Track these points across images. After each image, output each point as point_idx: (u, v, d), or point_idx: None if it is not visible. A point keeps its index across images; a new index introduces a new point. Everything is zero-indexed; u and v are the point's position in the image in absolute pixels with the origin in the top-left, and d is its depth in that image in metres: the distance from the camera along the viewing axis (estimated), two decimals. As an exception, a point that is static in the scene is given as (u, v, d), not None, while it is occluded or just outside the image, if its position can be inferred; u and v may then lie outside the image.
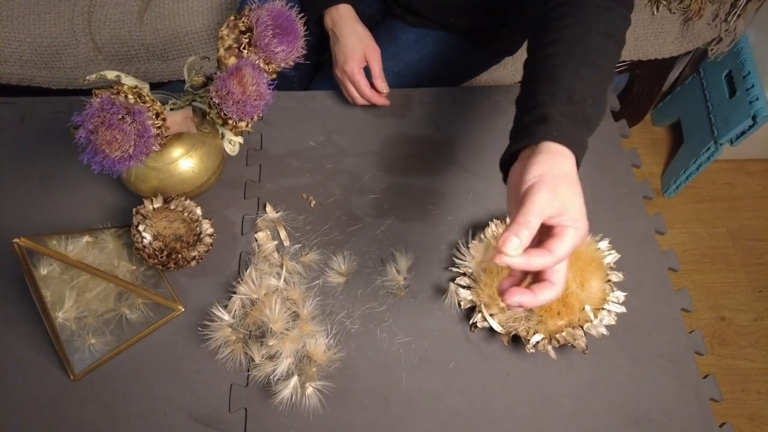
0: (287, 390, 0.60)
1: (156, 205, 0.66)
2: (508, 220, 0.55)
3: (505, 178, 0.54)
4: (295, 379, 0.60)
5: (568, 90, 0.52)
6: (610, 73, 0.57)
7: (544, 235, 0.46)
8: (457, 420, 0.61)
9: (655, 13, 1.18)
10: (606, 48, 0.56)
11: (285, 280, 0.67)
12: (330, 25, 0.83)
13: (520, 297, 0.45)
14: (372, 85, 0.82)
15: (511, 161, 0.52)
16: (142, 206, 0.66)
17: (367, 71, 0.82)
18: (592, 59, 0.54)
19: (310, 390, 0.60)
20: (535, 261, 0.44)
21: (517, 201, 0.47)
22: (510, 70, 1.18)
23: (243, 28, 0.61)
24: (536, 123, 0.51)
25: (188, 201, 0.69)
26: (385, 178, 0.78)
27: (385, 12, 1.00)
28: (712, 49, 1.33)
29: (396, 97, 0.86)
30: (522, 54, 1.15)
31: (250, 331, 0.64)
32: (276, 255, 0.70)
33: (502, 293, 0.46)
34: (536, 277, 0.47)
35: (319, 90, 0.89)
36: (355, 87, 0.82)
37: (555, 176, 0.46)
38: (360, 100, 0.83)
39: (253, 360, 0.62)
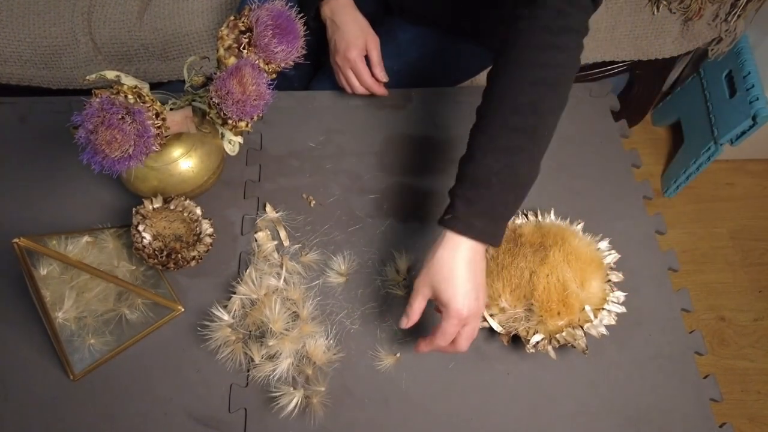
0: (290, 406, 0.60)
1: (156, 205, 0.66)
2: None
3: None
4: (300, 394, 0.60)
5: (474, 168, 0.56)
6: (536, 134, 0.56)
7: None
8: (457, 420, 0.61)
9: (655, 13, 1.18)
10: (528, 121, 0.55)
11: (285, 280, 0.67)
12: (329, 14, 0.82)
13: (426, 343, 0.57)
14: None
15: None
16: (142, 206, 0.66)
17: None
18: (507, 124, 0.55)
19: (314, 402, 0.60)
20: (430, 347, 0.57)
21: None
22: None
23: (243, 28, 0.61)
24: (447, 206, 0.57)
25: (188, 201, 0.68)
26: (385, 178, 0.78)
27: (384, 11, 1.00)
28: (712, 49, 1.33)
29: (396, 97, 0.86)
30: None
31: (250, 332, 0.64)
32: (276, 255, 0.70)
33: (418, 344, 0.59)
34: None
35: (319, 90, 0.89)
36: (356, 75, 0.81)
37: (435, 266, 0.55)
38: (359, 89, 0.82)
39: (252, 360, 0.62)
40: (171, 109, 0.63)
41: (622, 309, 0.62)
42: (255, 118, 0.60)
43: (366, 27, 0.83)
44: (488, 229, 0.55)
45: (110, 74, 0.60)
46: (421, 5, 0.90)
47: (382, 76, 0.82)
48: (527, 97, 0.55)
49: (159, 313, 0.66)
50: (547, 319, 0.60)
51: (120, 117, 0.53)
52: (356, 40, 0.80)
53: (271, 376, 0.61)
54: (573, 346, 0.60)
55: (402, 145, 0.81)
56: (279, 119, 0.83)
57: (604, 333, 0.61)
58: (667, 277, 0.70)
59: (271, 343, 0.61)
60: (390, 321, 0.67)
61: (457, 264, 0.54)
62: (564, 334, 0.60)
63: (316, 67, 0.99)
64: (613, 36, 1.21)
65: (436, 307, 0.60)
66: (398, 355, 0.64)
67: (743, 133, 1.32)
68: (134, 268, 0.68)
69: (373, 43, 0.82)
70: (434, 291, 0.55)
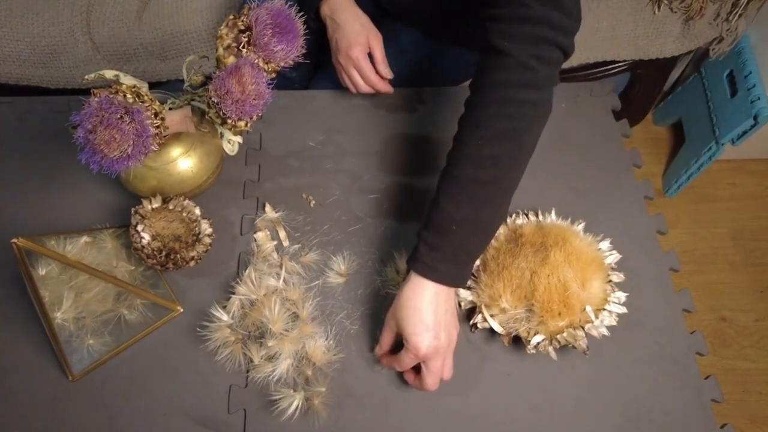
0: (291, 408, 0.59)
1: (155, 205, 0.66)
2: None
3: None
4: (300, 396, 0.60)
5: (438, 215, 0.58)
6: (497, 185, 0.58)
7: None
8: (458, 420, 0.61)
9: (656, 12, 1.18)
10: (489, 173, 0.56)
11: (284, 280, 0.67)
12: (328, 12, 0.81)
13: (407, 377, 0.61)
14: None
15: None
16: (141, 206, 0.65)
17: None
18: (469, 176, 0.57)
19: (316, 403, 0.60)
20: (389, 363, 0.60)
21: None
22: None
23: (242, 27, 0.61)
24: (413, 248, 0.59)
25: (187, 201, 0.68)
26: (385, 178, 0.78)
27: (381, 13, 1.00)
28: (713, 49, 1.33)
29: (396, 97, 0.85)
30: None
31: (250, 332, 0.64)
32: (275, 255, 0.70)
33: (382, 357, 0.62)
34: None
35: (319, 90, 0.88)
36: (359, 73, 0.80)
37: (400, 303, 0.58)
38: (364, 88, 0.81)
39: (252, 361, 0.62)
40: (170, 109, 0.63)
41: (623, 309, 0.62)
42: (254, 117, 0.60)
43: (368, 23, 0.81)
44: (451, 272, 0.57)
45: (109, 74, 0.60)
46: (412, 14, 0.90)
47: (387, 73, 0.81)
48: (489, 150, 0.56)
49: (158, 313, 0.66)
50: (548, 320, 0.60)
51: (119, 116, 0.53)
52: (358, 38, 0.79)
53: (271, 377, 0.61)
54: (574, 347, 0.60)
55: (402, 145, 0.81)
56: (279, 119, 0.83)
57: (605, 333, 0.60)
58: (668, 278, 0.70)
59: (270, 344, 0.61)
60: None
61: (420, 303, 0.56)
62: (565, 334, 0.60)
63: (316, 67, 0.99)
64: (613, 35, 1.20)
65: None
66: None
67: (744, 132, 1.32)
68: (133, 268, 0.67)
69: (376, 40, 0.80)
70: (398, 326, 0.58)
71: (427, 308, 0.56)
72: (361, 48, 0.78)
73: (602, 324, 0.60)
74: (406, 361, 0.57)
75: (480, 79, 0.59)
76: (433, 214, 0.58)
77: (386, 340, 0.61)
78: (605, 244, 0.67)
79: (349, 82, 0.82)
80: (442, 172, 0.60)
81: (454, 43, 0.92)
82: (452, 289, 0.59)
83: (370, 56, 0.81)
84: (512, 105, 0.56)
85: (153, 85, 0.64)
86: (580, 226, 0.69)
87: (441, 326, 0.57)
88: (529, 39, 0.56)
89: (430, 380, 0.57)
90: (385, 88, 0.81)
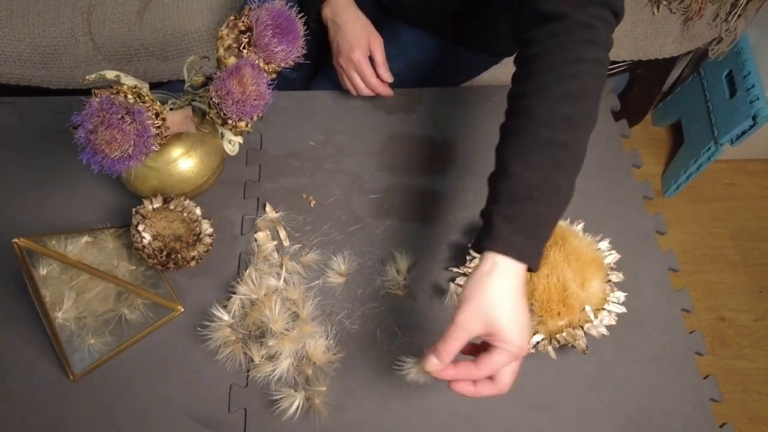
0: (292, 408, 0.59)
1: (155, 205, 0.66)
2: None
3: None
4: (301, 396, 0.60)
5: (512, 184, 0.51)
6: (572, 149, 0.53)
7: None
8: (458, 420, 0.61)
9: (655, 13, 1.18)
10: (566, 135, 0.52)
11: (285, 280, 0.67)
12: (329, 15, 0.81)
13: (462, 388, 0.50)
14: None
15: None
16: (142, 206, 0.65)
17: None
18: (543, 138, 0.52)
19: (317, 402, 0.60)
20: (462, 373, 0.49)
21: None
22: (511, 69, 1.17)
23: (243, 28, 0.61)
24: (483, 228, 0.52)
25: (188, 201, 0.68)
26: (385, 178, 0.78)
27: (383, 12, 1.00)
28: (712, 49, 1.33)
29: (396, 97, 0.86)
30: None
31: (250, 332, 0.64)
32: (276, 255, 0.70)
33: (451, 381, 0.50)
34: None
35: (319, 90, 0.89)
36: (360, 76, 0.80)
37: (486, 297, 0.48)
38: (365, 91, 0.81)
39: (252, 360, 0.62)
40: (171, 109, 0.63)
41: (622, 309, 0.62)
42: (255, 118, 0.60)
43: (368, 26, 0.81)
44: (532, 249, 0.51)
45: (110, 74, 0.60)
46: (415, 14, 0.90)
47: (387, 76, 0.81)
48: (561, 111, 0.52)
49: (159, 313, 0.66)
50: (548, 320, 0.60)
51: (120, 117, 0.53)
52: (359, 41, 0.79)
53: (271, 376, 0.61)
54: (573, 347, 0.60)
55: (402, 145, 0.81)
56: (279, 119, 0.83)
57: (605, 333, 0.60)
58: (668, 277, 0.70)
59: (270, 343, 0.61)
60: (390, 321, 0.67)
61: (511, 293, 0.49)
62: (564, 334, 0.60)
63: (317, 67, 0.99)
64: (613, 35, 1.21)
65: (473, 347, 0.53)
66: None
67: (743, 133, 1.32)
68: (134, 268, 0.67)
69: (377, 43, 0.81)
70: (488, 326, 0.48)
71: (519, 298, 0.49)
72: (362, 51, 0.79)
73: (601, 324, 0.60)
74: (501, 363, 0.48)
75: (534, 47, 0.55)
76: (506, 183, 0.52)
77: (455, 347, 0.49)
78: (604, 244, 0.67)
79: (349, 84, 0.82)
80: (500, 147, 0.55)
81: (455, 42, 0.92)
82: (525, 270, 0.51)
83: (371, 59, 0.81)
84: (579, 63, 0.53)
85: (154, 86, 0.64)
86: (580, 226, 0.69)
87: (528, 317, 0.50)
88: (582, 1, 0.54)
89: (510, 381, 0.50)
90: (385, 91, 0.81)
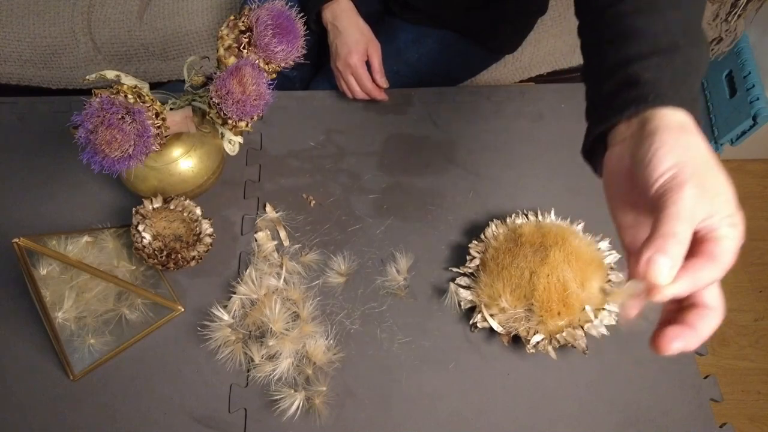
0: (292, 408, 0.59)
1: (155, 205, 0.66)
2: (614, 227, 0.41)
3: (595, 169, 0.44)
4: (301, 396, 0.60)
5: (652, 38, 0.40)
6: (699, 16, 0.42)
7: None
8: (457, 420, 0.61)
9: (655, 12, 1.18)
10: None
11: (285, 280, 0.67)
12: (330, 18, 0.83)
13: (683, 341, 0.33)
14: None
15: (600, 147, 0.41)
16: (142, 206, 0.65)
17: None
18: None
19: (317, 402, 0.60)
20: (702, 276, 0.33)
21: (631, 202, 0.37)
22: (510, 69, 1.18)
23: (243, 28, 0.61)
24: (625, 89, 0.38)
25: (188, 201, 0.68)
26: (385, 178, 0.78)
27: (383, 11, 1.00)
28: (712, 49, 1.33)
29: (396, 97, 0.86)
30: (522, 52, 1.16)
31: (250, 332, 0.64)
32: (276, 255, 0.70)
33: (655, 340, 0.34)
34: (678, 302, 0.35)
35: (319, 90, 0.89)
36: (356, 80, 0.82)
37: (697, 163, 0.33)
38: (360, 94, 0.83)
39: (252, 360, 0.62)
40: (171, 109, 0.63)
41: (622, 309, 0.62)
42: (255, 118, 0.60)
43: (367, 32, 0.83)
44: (697, 98, 0.39)
45: (110, 74, 0.60)
46: (430, 6, 0.90)
47: (383, 82, 0.83)
48: None
49: (159, 313, 0.66)
50: (548, 319, 0.60)
51: (120, 117, 0.53)
52: (357, 46, 0.81)
53: (271, 376, 0.61)
54: (573, 346, 0.60)
55: (402, 145, 0.81)
56: (279, 119, 0.83)
57: (605, 333, 0.61)
58: (668, 277, 0.70)
59: (271, 343, 0.61)
60: (390, 321, 0.67)
61: (706, 152, 0.35)
62: (564, 334, 0.60)
63: (317, 68, 0.99)
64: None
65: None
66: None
67: (743, 133, 1.32)
68: (134, 268, 0.67)
69: (375, 49, 0.83)
70: (713, 203, 0.33)
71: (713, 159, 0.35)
72: (360, 56, 0.81)
73: (601, 323, 0.61)
74: (732, 259, 0.33)
75: None
76: (633, 45, 0.40)
77: (680, 253, 0.32)
78: (604, 244, 0.67)
79: (345, 87, 0.84)
80: (596, 27, 0.44)
81: (460, 35, 0.93)
82: None
83: (369, 64, 0.82)
84: None
85: (154, 86, 0.64)
86: (580, 226, 0.69)
87: None
88: None
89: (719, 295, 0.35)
90: (380, 95, 0.83)
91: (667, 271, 0.32)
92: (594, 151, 0.42)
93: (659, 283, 0.32)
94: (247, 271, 0.67)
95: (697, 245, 0.34)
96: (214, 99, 0.58)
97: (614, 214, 0.39)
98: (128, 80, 0.59)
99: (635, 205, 0.37)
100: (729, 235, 0.34)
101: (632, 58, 0.39)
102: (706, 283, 0.33)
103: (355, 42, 0.81)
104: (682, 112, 0.36)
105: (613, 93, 0.39)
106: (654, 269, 0.31)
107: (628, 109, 0.37)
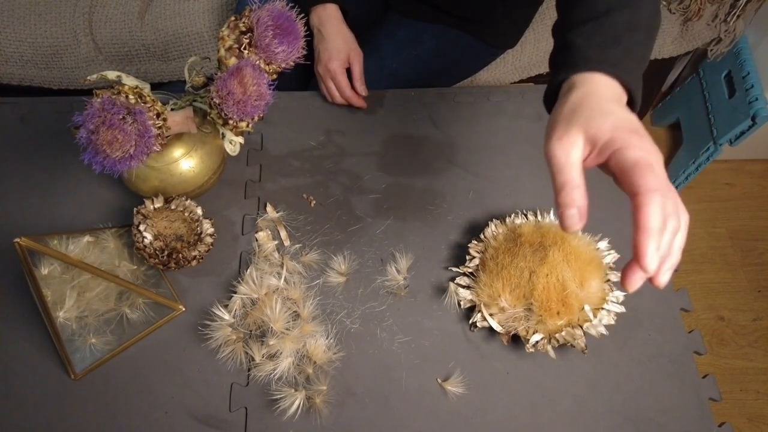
0: (293, 408, 0.60)
1: (157, 205, 0.67)
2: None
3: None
4: (302, 395, 0.60)
5: (592, 3, 0.45)
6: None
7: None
8: (457, 420, 0.61)
9: (654, 13, 1.18)
10: None
11: (285, 279, 0.67)
12: (316, 23, 0.84)
13: (642, 269, 0.38)
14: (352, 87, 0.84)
15: (554, 99, 0.46)
16: (143, 206, 0.66)
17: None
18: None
19: (317, 402, 0.61)
20: (642, 185, 0.37)
21: (557, 146, 0.41)
22: (510, 68, 1.18)
23: (243, 29, 0.61)
24: (564, 53, 0.45)
25: (189, 201, 0.69)
26: (385, 178, 0.78)
27: (382, 8, 1.00)
28: (711, 50, 1.33)
29: (396, 98, 0.86)
30: (522, 52, 1.16)
31: (251, 331, 0.64)
32: (276, 255, 0.70)
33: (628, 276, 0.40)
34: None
35: (319, 91, 0.89)
36: (336, 86, 0.83)
37: (597, 95, 0.40)
38: (339, 99, 0.84)
39: (253, 359, 0.62)
40: (172, 110, 0.63)
41: (621, 309, 0.62)
42: (256, 118, 0.61)
43: (351, 41, 0.85)
44: (626, 63, 0.43)
45: (111, 74, 0.60)
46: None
47: (362, 90, 0.84)
48: None
49: (160, 312, 0.66)
50: (547, 319, 0.60)
51: (121, 117, 0.54)
52: (339, 53, 0.83)
53: (272, 375, 0.61)
54: (572, 346, 0.60)
55: (402, 145, 0.82)
56: (279, 119, 0.83)
57: (604, 333, 0.61)
58: (667, 277, 0.71)
59: (271, 343, 0.62)
60: (390, 321, 0.67)
61: (609, 96, 0.41)
62: (563, 333, 0.60)
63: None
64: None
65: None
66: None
67: (742, 133, 1.33)
68: (135, 267, 0.68)
69: (356, 57, 0.84)
70: (614, 122, 0.39)
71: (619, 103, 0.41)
72: (340, 63, 0.82)
73: (600, 323, 0.61)
74: (659, 164, 0.39)
75: None
76: (575, 8, 0.47)
77: (579, 193, 0.41)
78: (603, 244, 0.67)
79: (325, 91, 0.85)
80: (563, 27, 0.49)
81: (459, 31, 0.93)
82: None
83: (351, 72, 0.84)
84: None
85: (155, 86, 0.64)
86: (579, 226, 0.69)
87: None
88: None
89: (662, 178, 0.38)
90: (358, 102, 0.84)
91: (575, 222, 0.40)
92: (552, 98, 0.48)
93: (572, 229, 0.40)
94: (248, 270, 0.67)
95: (620, 166, 0.39)
96: (215, 99, 0.58)
97: (549, 157, 0.43)
98: (129, 81, 0.59)
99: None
100: (639, 147, 0.38)
101: (573, 23, 0.46)
102: (650, 188, 0.38)
103: (336, 49, 0.83)
104: (601, 74, 0.42)
105: (558, 56, 0.47)
106: (567, 222, 0.40)
107: (562, 73, 0.45)
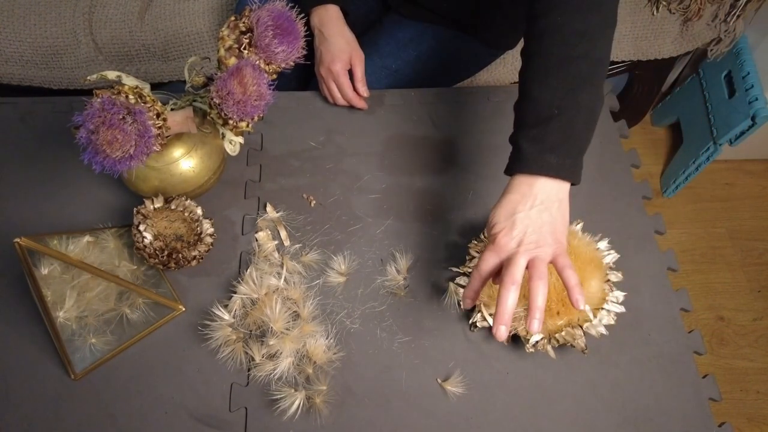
0: (293, 408, 0.60)
1: (157, 205, 0.67)
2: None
3: None
4: (302, 395, 0.60)
5: (532, 107, 0.55)
6: (589, 59, 0.55)
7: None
8: (457, 420, 0.61)
9: (654, 13, 1.19)
10: (579, 48, 0.55)
11: (285, 279, 0.67)
12: (317, 23, 0.84)
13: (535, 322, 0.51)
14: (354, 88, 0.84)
15: None
16: (143, 206, 0.66)
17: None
18: (558, 57, 0.54)
19: (318, 401, 0.61)
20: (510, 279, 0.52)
21: None
22: (510, 68, 1.18)
23: (243, 29, 0.61)
24: (514, 151, 0.56)
25: (189, 201, 0.69)
26: (385, 178, 0.78)
27: (383, 9, 1.00)
28: (711, 50, 1.33)
29: (396, 97, 0.86)
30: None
31: (251, 331, 0.64)
32: (276, 255, 0.70)
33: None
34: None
35: (319, 91, 0.89)
36: (338, 88, 0.83)
37: (506, 224, 0.53)
38: (340, 101, 0.84)
39: (253, 359, 0.62)
40: (172, 110, 0.63)
41: (621, 309, 0.62)
42: (256, 118, 0.61)
43: (352, 42, 0.85)
44: (564, 163, 0.53)
45: (111, 74, 0.60)
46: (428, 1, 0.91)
47: (364, 91, 0.84)
48: (572, 27, 0.54)
49: (160, 312, 0.66)
50: (547, 319, 0.60)
51: (121, 117, 0.54)
52: (341, 54, 0.82)
53: (272, 376, 0.61)
54: (572, 346, 0.60)
55: (402, 145, 0.82)
56: (279, 119, 0.83)
57: (604, 333, 0.61)
58: (666, 277, 0.71)
59: (271, 343, 0.62)
60: (390, 321, 0.67)
61: (528, 197, 0.53)
62: (563, 333, 0.60)
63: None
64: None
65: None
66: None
67: (742, 133, 1.33)
68: (135, 267, 0.68)
69: (358, 59, 0.84)
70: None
71: (559, 212, 0.53)
72: (343, 64, 0.82)
73: (600, 323, 0.61)
74: (483, 262, 0.54)
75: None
76: (527, 107, 0.56)
77: (477, 283, 0.55)
78: (603, 244, 0.67)
79: (327, 92, 0.85)
80: (522, 72, 0.58)
81: (458, 31, 0.93)
82: (567, 187, 0.54)
83: (352, 74, 0.84)
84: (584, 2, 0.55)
85: (155, 86, 0.64)
86: (579, 226, 0.69)
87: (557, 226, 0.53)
88: None
89: (516, 274, 0.52)
90: (360, 104, 0.84)
91: (503, 332, 0.51)
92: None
93: (502, 337, 0.52)
94: (248, 270, 0.67)
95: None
96: (215, 99, 0.58)
97: None
98: (129, 81, 0.59)
99: None
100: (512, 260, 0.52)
101: (522, 124, 0.56)
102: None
103: (339, 50, 0.82)
104: (537, 179, 0.53)
105: (512, 149, 0.56)
106: (498, 336, 0.52)
107: (509, 170, 0.56)
